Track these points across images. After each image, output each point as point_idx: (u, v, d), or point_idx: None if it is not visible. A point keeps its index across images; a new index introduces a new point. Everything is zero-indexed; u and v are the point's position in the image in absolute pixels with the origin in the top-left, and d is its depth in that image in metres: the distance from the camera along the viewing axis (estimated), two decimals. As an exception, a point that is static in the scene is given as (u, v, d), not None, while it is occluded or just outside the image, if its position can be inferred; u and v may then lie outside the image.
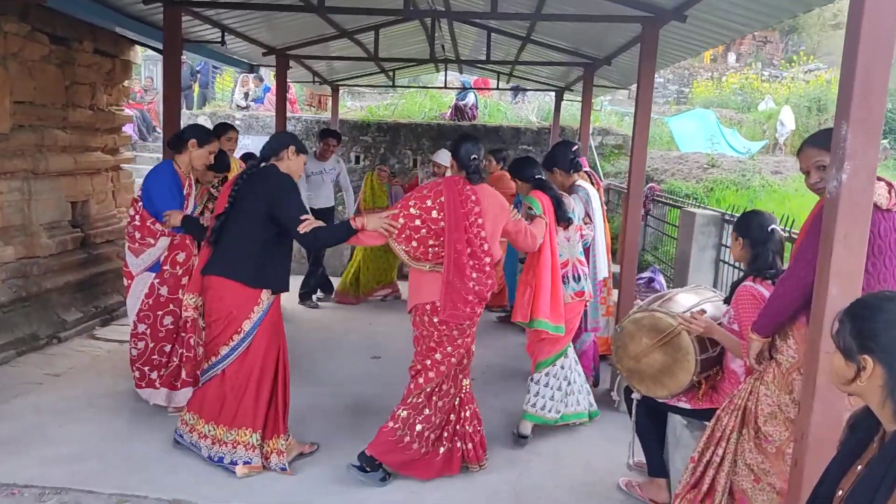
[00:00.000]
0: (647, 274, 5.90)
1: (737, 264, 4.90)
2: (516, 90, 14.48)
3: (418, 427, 3.39)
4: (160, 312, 4.11)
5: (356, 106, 15.51)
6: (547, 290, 3.84)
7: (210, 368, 3.52)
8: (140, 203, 4.07)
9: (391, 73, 10.97)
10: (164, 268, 4.10)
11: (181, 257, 4.14)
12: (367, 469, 3.40)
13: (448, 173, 4.10)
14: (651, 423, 3.34)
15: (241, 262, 3.40)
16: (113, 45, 6.72)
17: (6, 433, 3.79)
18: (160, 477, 3.40)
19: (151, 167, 4.17)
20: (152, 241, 4.06)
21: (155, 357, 4.14)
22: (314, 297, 7.54)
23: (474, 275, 3.33)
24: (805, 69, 22.39)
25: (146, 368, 4.15)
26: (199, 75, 16.17)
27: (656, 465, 3.35)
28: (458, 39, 8.96)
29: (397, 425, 3.39)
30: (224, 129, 5.60)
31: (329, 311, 7.19)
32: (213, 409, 3.51)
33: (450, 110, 13.15)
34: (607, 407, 4.54)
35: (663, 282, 5.87)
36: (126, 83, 7.26)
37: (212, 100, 15.73)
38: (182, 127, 4.55)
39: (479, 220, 3.37)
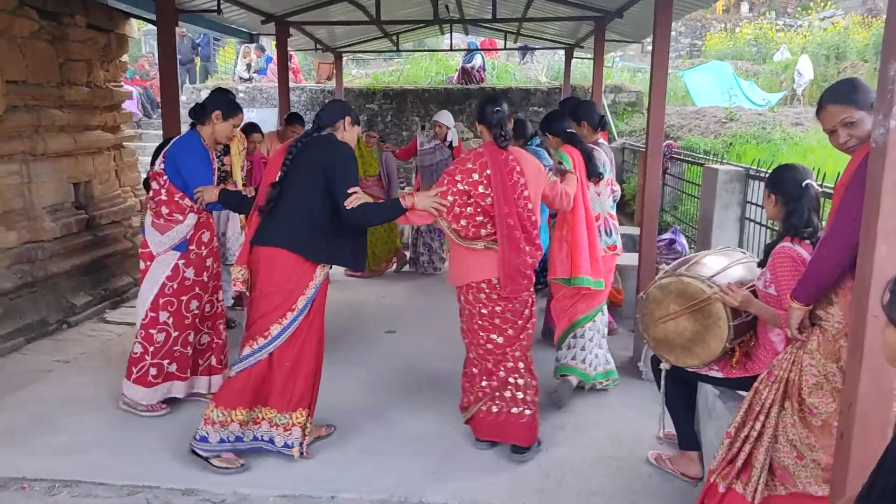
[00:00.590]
0: (667, 235, 5.69)
1: (765, 222, 4.68)
2: (524, 50, 14.10)
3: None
4: (185, 297, 3.72)
5: (361, 73, 15.21)
6: (584, 245, 3.83)
7: (256, 352, 3.19)
8: (165, 177, 3.67)
9: (395, 38, 10.65)
10: (191, 247, 3.73)
11: (206, 237, 3.82)
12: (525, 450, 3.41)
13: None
14: (681, 393, 3.18)
15: (299, 233, 3.17)
16: (107, 19, 6.50)
17: (14, 423, 3.70)
18: (172, 466, 3.29)
19: (173, 140, 3.78)
20: (180, 218, 3.69)
21: (177, 348, 3.77)
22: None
23: (527, 248, 3.28)
24: (821, 16, 21.68)
25: (165, 362, 3.76)
26: (199, 48, 15.90)
27: (687, 438, 3.20)
28: (463, -2, 8.64)
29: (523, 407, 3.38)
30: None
31: (338, 286, 7.04)
32: (262, 394, 3.26)
33: (457, 74, 12.84)
34: (632, 375, 4.39)
35: (685, 243, 5.65)
36: (123, 58, 7.05)
37: (214, 73, 15.48)
38: (182, 101, 4.21)
39: (525, 192, 3.27)
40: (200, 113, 3.70)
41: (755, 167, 4.78)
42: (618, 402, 4.04)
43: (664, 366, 3.09)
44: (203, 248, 3.81)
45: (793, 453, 2.47)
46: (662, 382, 3.17)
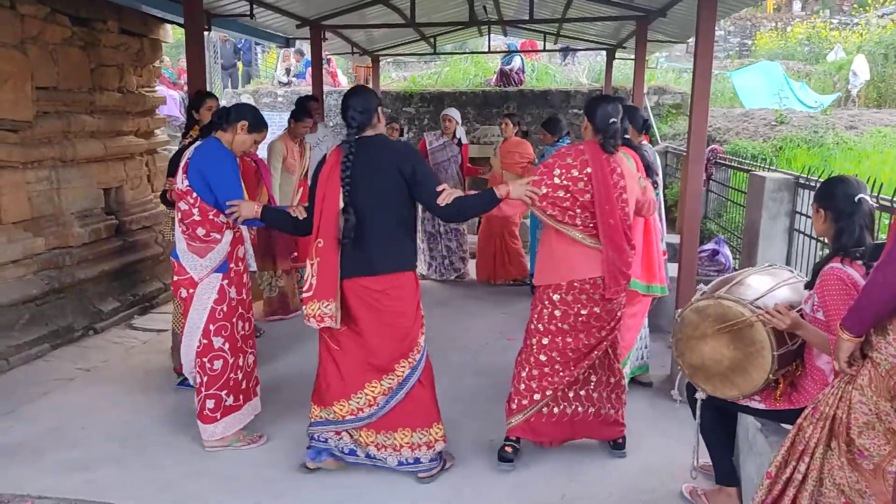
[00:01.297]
0: (710, 245, 5.38)
1: (814, 235, 4.36)
2: (565, 51, 13.80)
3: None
4: (234, 319, 3.48)
5: (400, 76, 15.11)
6: (658, 254, 3.94)
7: (404, 383, 3.11)
8: (194, 194, 3.31)
9: (432, 40, 10.50)
10: (231, 266, 3.45)
11: (241, 251, 3.56)
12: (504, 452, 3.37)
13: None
14: (719, 424, 2.92)
15: (401, 249, 3.08)
16: (141, 24, 6.50)
17: (28, 435, 3.65)
18: (181, 484, 3.18)
19: (193, 148, 3.44)
20: (218, 237, 3.37)
21: (233, 375, 3.49)
22: None
23: (627, 248, 3.21)
24: (880, 13, 20.76)
25: (223, 392, 3.45)
26: (242, 53, 16.04)
27: (725, 472, 2.94)
28: (500, -1, 8.43)
29: (526, 408, 3.33)
30: (201, 100, 4.71)
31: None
32: (408, 418, 3.16)
33: (495, 76, 12.62)
34: (666, 397, 4.12)
35: (729, 254, 5.34)
36: (157, 63, 7.05)
37: (255, 77, 15.58)
38: (223, 105, 3.82)
39: (624, 195, 3.21)
40: (224, 118, 3.43)
41: (805, 175, 4.47)
42: (650, 426, 3.78)
43: (700, 395, 2.84)
44: (240, 263, 3.56)
45: (840, 499, 2.21)
46: (698, 412, 2.91)
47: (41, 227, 5.25)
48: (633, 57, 9.96)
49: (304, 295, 3.04)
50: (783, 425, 2.72)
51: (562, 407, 3.34)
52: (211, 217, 3.35)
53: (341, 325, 3.03)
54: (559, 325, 3.22)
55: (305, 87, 12.87)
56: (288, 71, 13.84)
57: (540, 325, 3.26)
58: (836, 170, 6.97)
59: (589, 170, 3.10)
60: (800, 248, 4.52)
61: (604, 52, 11.48)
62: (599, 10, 7.87)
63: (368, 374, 3.11)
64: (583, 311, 3.20)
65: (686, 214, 4.76)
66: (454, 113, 7.29)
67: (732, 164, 6.28)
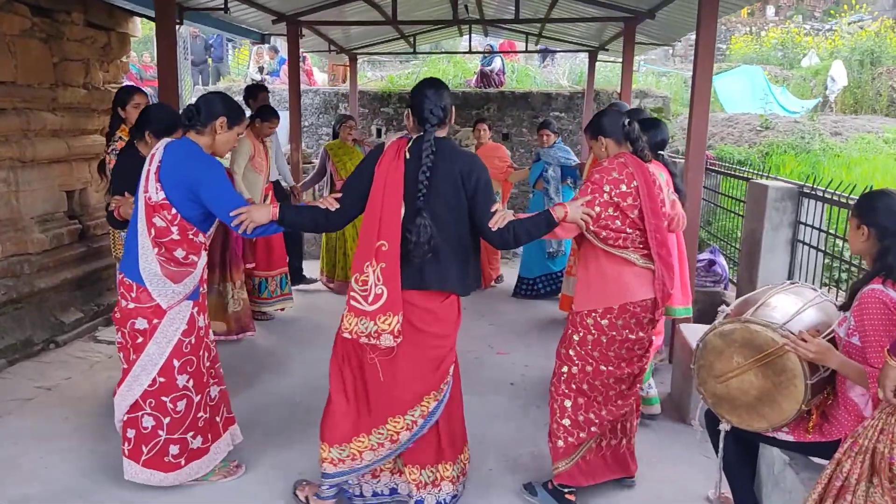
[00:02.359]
0: (705, 255, 5.21)
1: (820, 245, 4.20)
2: (545, 52, 13.63)
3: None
4: (202, 351, 3.05)
5: (377, 76, 14.81)
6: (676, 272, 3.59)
7: (434, 413, 2.79)
8: (174, 209, 2.82)
9: (412, 39, 10.24)
10: (201, 290, 3.04)
11: (205, 273, 3.11)
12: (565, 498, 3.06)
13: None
14: (743, 457, 2.71)
15: (461, 269, 2.72)
16: (107, 16, 6.13)
17: (-20, 466, 3.30)
18: (150, 523, 2.88)
19: (162, 151, 2.86)
20: (196, 259, 2.93)
21: (201, 415, 3.07)
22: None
23: (673, 263, 3.03)
24: (850, 20, 21.05)
25: (189, 436, 3.03)
26: (213, 49, 15.58)
27: (748, 508, 2.73)
28: (484, -3, 8.20)
29: (573, 445, 3.04)
30: (128, 96, 4.18)
31: (320, 298, 6.60)
32: (440, 451, 2.89)
33: (475, 77, 12.38)
34: (673, 418, 3.93)
35: (725, 264, 5.18)
36: (125, 58, 6.67)
37: (226, 75, 15.14)
38: (191, 103, 2.99)
39: (665, 209, 3.06)
40: (196, 118, 2.89)
41: (810, 184, 4.31)
42: (658, 452, 3.56)
43: (724, 426, 2.62)
44: (204, 285, 3.12)
45: (888, 541, 2.01)
46: (721, 445, 2.70)
47: (-3, 233, 4.87)
48: (615, 59, 9.83)
49: (371, 307, 2.60)
50: (813, 459, 2.52)
51: (607, 440, 3.08)
52: (191, 236, 2.88)
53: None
54: (605, 351, 2.91)
55: (280, 86, 12.51)
56: (261, 69, 13.44)
57: (582, 351, 2.93)
58: (827, 176, 6.86)
59: (636, 182, 2.88)
60: (803, 260, 4.37)
61: (584, 55, 11.34)
62: (586, 11, 7.69)
63: (394, 406, 2.76)
64: (630, 336, 2.91)
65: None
66: None
67: (724, 171, 6.13)
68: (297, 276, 6.78)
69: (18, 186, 5.03)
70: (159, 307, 2.87)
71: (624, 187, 2.86)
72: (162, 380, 2.92)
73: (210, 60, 15.56)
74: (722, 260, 5.19)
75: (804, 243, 4.34)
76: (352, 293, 2.66)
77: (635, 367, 2.98)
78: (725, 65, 16.68)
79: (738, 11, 18.53)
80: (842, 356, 2.33)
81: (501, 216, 2.66)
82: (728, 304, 3.03)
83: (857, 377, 2.29)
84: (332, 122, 7.91)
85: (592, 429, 2.95)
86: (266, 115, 5.38)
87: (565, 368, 2.98)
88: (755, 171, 5.43)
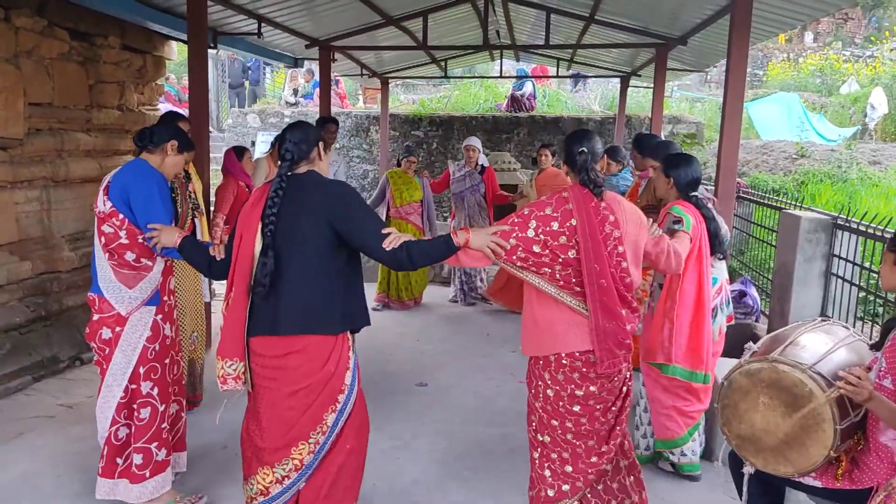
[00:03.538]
0: (736, 286, 5.06)
1: (855, 279, 4.05)
2: (576, 78, 13.60)
3: None
4: (167, 360, 3.06)
5: (409, 99, 14.93)
6: (686, 330, 3.29)
7: (318, 452, 2.59)
8: (120, 215, 2.89)
9: (443, 64, 10.30)
10: (164, 298, 3.06)
11: (172, 283, 3.18)
12: None
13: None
14: (768, 502, 2.59)
15: (323, 308, 2.54)
16: (144, 40, 6.28)
17: (-3, 484, 3.32)
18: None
19: (117, 170, 3.00)
20: (149, 263, 2.96)
21: (165, 425, 3.04)
22: None
23: (624, 312, 2.58)
24: (892, 47, 20.63)
25: (153, 446, 2.98)
26: (249, 72, 15.89)
27: (774, 556, 2.60)
28: (515, 24, 8.24)
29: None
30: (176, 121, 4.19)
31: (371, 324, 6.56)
32: (328, 493, 2.64)
33: (506, 101, 12.41)
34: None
35: (756, 296, 5.02)
36: (160, 81, 6.82)
37: (262, 97, 15.41)
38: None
39: (620, 248, 2.58)
40: (149, 139, 3.03)
41: (844, 215, 4.17)
42: (681, 493, 3.42)
43: (748, 469, 2.51)
44: (172, 297, 3.16)
45: None
46: (745, 488, 2.58)
47: (28, 251, 4.97)
48: (647, 85, 9.76)
49: (220, 350, 2.57)
50: (843, 508, 2.39)
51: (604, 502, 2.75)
52: (140, 240, 2.93)
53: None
54: (554, 405, 2.62)
55: (313, 108, 12.67)
56: (296, 91, 13.65)
57: (536, 403, 2.69)
58: (863, 207, 6.67)
59: (573, 221, 2.53)
60: (837, 293, 4.22)
61: (616, 80, 11.28)
62: (617, 37, 7.66)
63: (262, 456, 2.59)
64: (577, 392, 2.59)
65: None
66: (476, 142, 7.09)
67: (758, 199, 5.98)
68: None
69: (50, 205, 5.14)
70: (120, 315, 2.93)
71: (556, 225, 2.54)
72: (133, 387, 2.97)
73: (247, 83, 15.86)
74: (753, 291, 5.04)
75: (838, 276, 4.19)
76: None
77: (600, 425, 2.63)
78: (762, 91, 16.46)
79: (774, 38, 18.30)
80: (887, 400, 2.19)
81: (395, 237, 2.50)
82: (759, 337, 2.93)
83: (893, 419, 2.16)
84: (397, 151, 8.21)
85: (577, 483, 2.64)
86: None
87: (533, 416, 2.72)
88: (788, 201, 5.28)
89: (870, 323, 4.17)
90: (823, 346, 2.44)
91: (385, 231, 2.52)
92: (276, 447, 2.56)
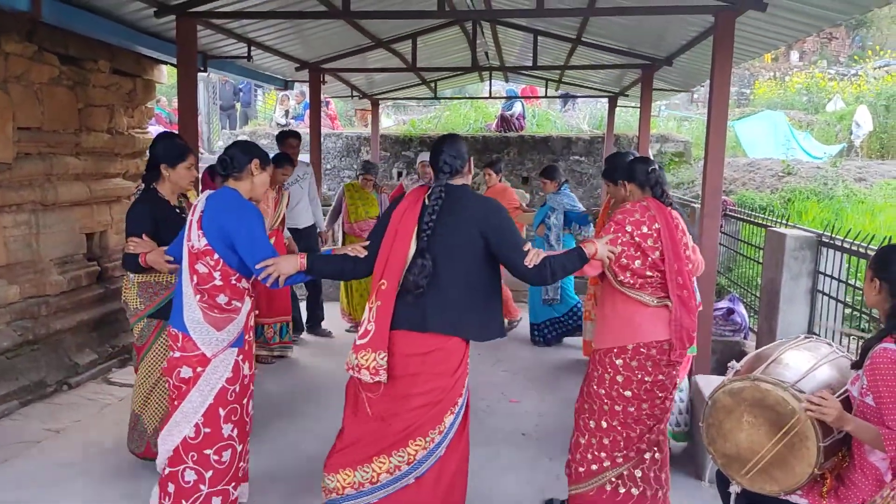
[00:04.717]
0: (724, 303, 5.10)
1: (841, 296, 4.09)
2: (565, 98, 13.73)
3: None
4: (245, 400, 3.00)
5: (399, 120, 15.02)
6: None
7: (431, 451, 2.70)
8: (216, 255, 2.84)
9: (433, 85, 10.39)
10: (246, 338, 2.99)
11: (252, 320, 3.07)
12: None
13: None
14: (755, 521, 2.60)
15: (468, 313, 2.73)
16: (134, 64, 6.30)
17: (-18, 512, 3.29)
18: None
19: (204, 200, 2.91)
20: (239, 305, 2.92)
21: (242, 465, 3.05)
22: (323, 325, 6.87)
23: (695, 307, 3.06)
24: (876, 65, 20.96)
25: (231, 486, 2.96)
26: (241, 94, 15.97)
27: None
28: (503, 45, 8.33)
29: (595, 474, 3.03)
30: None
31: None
32: (445, 497, 2.75)
33: (496, 121, 12.50)
34: (687, 472, 3.78)
35: (745, 313, 5.05)
36: (150, 104, 6.84)
37: (253, 119, 15.48)
38: (220, 146, 3.34)
39: (688, 252, 3.08)
40: (231, 166, 2.95)
41: (829, 233, 4.22)
42: None
43: (734, 488, 2.52)
44: (251, 333, 3.07)
45: None
46: (732, 507, 2.59)
47: (16, 275, 4.94)
48: (635, 104, 9.86)
49: (360, 342, 2.69)
50: (829, 526, 2.39)
51: (627, 488, 3.00)
52: (233, 282, 2.89)
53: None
54: (621, 391, 2.95)
55: (303, 129, 12.74)
56: (286, 113, 13.73)
57: (601, 390, 3.00)
58: (849, 224, 6.74)
59: (657, 225, 2.97)
60: (823, 310, 4.25)
61: (604, 99, 11.39)
62: (604, 58, 7.76)
63: (380, 443, 2.73)
64: (647, 378, 2.93)
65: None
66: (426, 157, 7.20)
67: (745, 217, 6.04)
68: (316, 325, 6.82)
69: (39, 229, 5.13)
70: (204, 356, 2.86)
71: (645, 228, 2.96)
72: (207, 430, 2.88)
73: (238, 105, 15.94)
74: (741, 308, 5.07)
75: (824, 293, 4.23)
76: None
77: (655, 408, 2.97)
78: (749, 109, 16.65)
79: (760, 57, 18.59)
80: (858, 420, 2.23)
81: (535, 253, 2.71)
82: (746, 354, 2.95)
83: (874, 441, 2.19)
84: (356, 166, 8.06)
85: (617, 460, 2.97)
86: (279, 161, 5.32)
87: (586, 405, 3.06)
88: (774, 219, 5.33)
89: (857, 339, 4.20)
90: (806, 363, 2.46)
91: (525, 248, 2.73)
92: (397, 438, 2.69)
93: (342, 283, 6.91)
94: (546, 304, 6.31)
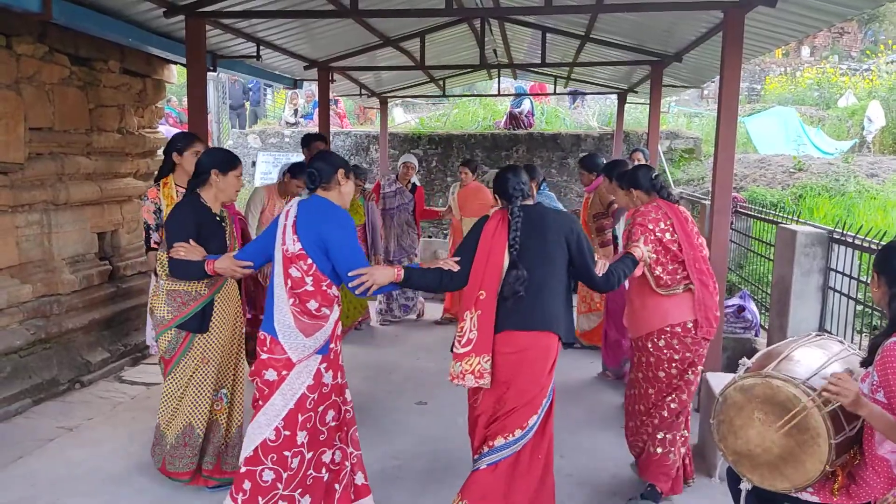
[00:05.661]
0: (735, 301, 5.07)
1: (851, 293, 4.07)
2: (574, 94, 13.69)
3: (682, 449, 3.51)
4: (321, 408, 3.00)
5: (407, 118, 15.03)
6: None
7: (503, 447, 2.91)
8: (310, 260, 2.87)
9: (441, 82, 10.38)
10: (331, 346, 3.00)
11: (339, 329, 3.09)
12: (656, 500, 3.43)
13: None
14: (766, 518, 2.59)
15: (559, 313, 3.01)
16: (144, 64, 6.34)
17: (-5, 508, 3.32)
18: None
19: (302, 206, 2.95)
20: (328, 313, 2.94)
21: (311, 472, 3.00)
22: None
23: (711, 288, 3.45)
24: (889, 59, 20.75)
25: (297, 493, 2.96)
26: (250, 93, 16.02)
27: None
28: (511, 43, 8.32)
29: (667, 449, 3.43)
30: (189, 142, 3.87)
31: (370, 344, 6.56)
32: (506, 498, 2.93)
33: (505, 118, 12.49)
34: (698, 469, 3.77)
35: (756, 310, 5.03)
36: (160, 104, 6.88)
37: (263, 118, 15.53)
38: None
39: (700, 240, 3.50)
40: (320, 178, 2.98)
41: (840, 229, 4.19)
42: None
43: (745, 485, 2.50)
44: (338, 343, 3.08)
45: None
46: (742, 503, 2.57)
47: (29, 274, 4.99)
48: (644, 101, 9.83)
49: (462, 350, 2.92)
50: (841, 523, 2.38)
51: (666, 450, 3.47)
52: (324, 288, 2.91)
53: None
54: (655, 371, 3.42)
55: (313, 128, 12.76)
56: (296, 111, 13.77)
57: (639, 374, 3.50)
58: (861, 220, 6.69)
59: (670, 220, 3.42)
60: (835, 307, 4.22)
61: (613, 96, 11.36)
62: (612, 55, 7.73)
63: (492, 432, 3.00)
64: (675, 357, 3.38)
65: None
66: (413, 160, 7.22)
67: (755, 213, 6.00)
68: None
69: (51, 228, 5.17)
70: (289, 360, 2.88)
71: (662, 224, 3.41)
72: (287, 433, 2.90)
73: (247, 104, 15.99)
74: (752, 306, 5.05)
75: (836, 290, 4.20)
76: (454, 341, 3.01)
77: (683, 382, 3.44)
78: (759, 105, 16.54)
79: (770, 53, 18.48)
80: (874, 406, 2.21)
81: (603, 264, 3.10)
82: (757, 352, 2.94)
83: (887, 428, 2.17)
84: (364, 165, 7.80)
85: (645, 436, 3.49)
86: (295, 171, 5.02)
87: (640, 390, 3.52)
88: (785, 215, 5.30)
89: (868, 336, 4.17)
90: (817, 360, 2.45)
91: (598, 258, 3.12)
92: (509, 417, 2.95)
93: None
94: None
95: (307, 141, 6.03)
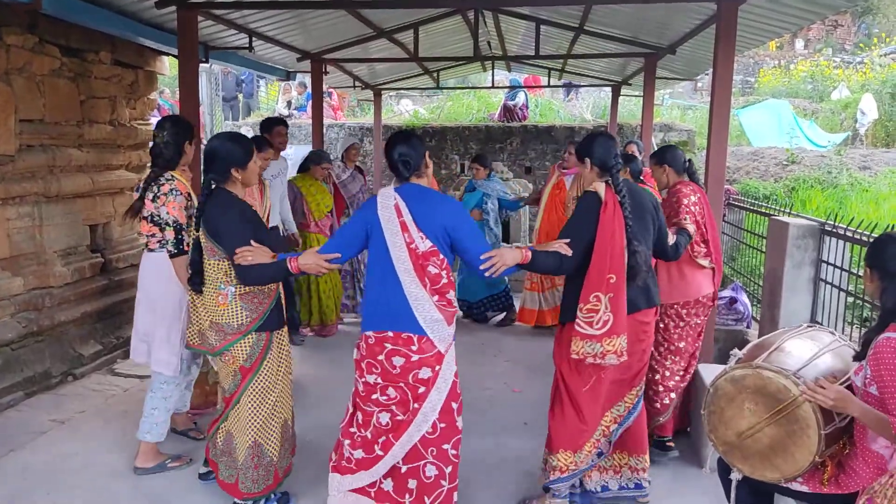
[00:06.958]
0: (727, 292, 5.08)
1: (843, 285, 4.08)
2: (568, 87, 13.68)
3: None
4: (460, 390, 3.08)
5: (402, 110, 14.99)
6: None
7: (633, 411, 3.29)
8: (441, 255, 2.90)
9: (435, 75, 10.36)
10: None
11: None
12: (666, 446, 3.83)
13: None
14: (756, 508, 2.61)
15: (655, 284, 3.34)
16: (136, 55, 6.30)
17: (-13, 502, 3.32)
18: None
19: (426, 199, 2.90)
20: (454, 296, 3.04)
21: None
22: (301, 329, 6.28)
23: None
24: (882, 52, 20.80)
25: (457, 481, 3.04)
26: (243, 85, 15.95)
27: (763, 561, 2.61)
28: (505, 35, 8.30)
29: (672, 402, 3.85)
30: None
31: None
32: (636, 442, 3.35)
33: (499, 111, 12.48)
34: (688, 461, 3.79)
35: (748, 302, 5.04)
36: (152, 96, 6.84)
37: (256, 110, 15.46)
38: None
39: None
40: (410, 166, 2.91)
41: (832, 221, 4.20)
42: (673, 498, 3.43)
43: (735, 475, 2.52)
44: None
45: None
46: (733, 495, 2.59)
47: (20, 267, 4.96)
48: (638, 93, 9.82)
49: (598, 331, 2.95)
50: (831, 513, 2.40)
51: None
52: (451, 278, 2.92)
53: None
54: (682, 335, 3.81)
55: (306, 120, 12.72)
56: (289, 103, 13.72)
57: (664, 336, 3.82)
58: (853, 212, 6.72)
59: (698, 195, 3.77)
60: (826, 299, 4.24)
61: (607, 89, 11.36)
62: (606, 47, 7.72)
63: (607, 403, 3.22)
64: (698, 321, 3.84)
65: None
66: (359, 142, 7.49)
67: (748, 206, 6.02)
68: (291, 327, 5.94)
69: (42, 221, 5.13)
70: (440, 353, 2.86)
71: (694, 199, 3.75)
72: (443, 425, 2.89)
73: (240, 96, 15.93)
74: (744, 297, 5.06)
75: (827, 282, 4.21)
76: (576, 321, 3.00)
77: (699, 342, 3.93)
78: (753, 98, 16.56)
79: (764, 45, 18.48)
80: (861, 403, 2.23)
81: (672, 233, 3.48)
82: (748, 343, 2.95)
83: (878, 426, 2.19)
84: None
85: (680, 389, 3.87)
86: (259, 145, 4.43)
87: (668, 361, 3.85)
88: (777, 207, 5.32)
89: (859, 328, 4.19)
90: (808, 352, 2.46)
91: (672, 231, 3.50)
92: (616, 395, 3.23)
93: (303, 290, 6.26)
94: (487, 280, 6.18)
95: (268, 124, 5.58)
